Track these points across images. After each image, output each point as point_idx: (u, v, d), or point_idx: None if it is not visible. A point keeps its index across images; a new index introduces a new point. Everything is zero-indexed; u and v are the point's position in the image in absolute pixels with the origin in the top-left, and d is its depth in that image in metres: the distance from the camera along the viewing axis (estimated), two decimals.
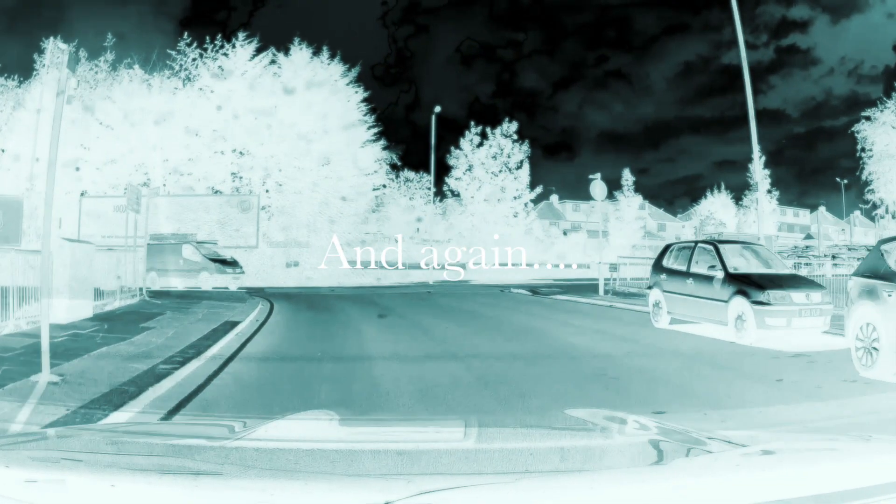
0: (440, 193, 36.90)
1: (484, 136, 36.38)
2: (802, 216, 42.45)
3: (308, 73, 31.52)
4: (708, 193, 39.53)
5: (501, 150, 36.09)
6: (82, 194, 27.15)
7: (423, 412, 6.20)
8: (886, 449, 1.81)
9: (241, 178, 30.61)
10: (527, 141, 36.48)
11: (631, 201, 37.45)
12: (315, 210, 30.85)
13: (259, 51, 31.48)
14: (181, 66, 30.77)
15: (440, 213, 36.92)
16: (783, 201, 38.66)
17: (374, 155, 33.29)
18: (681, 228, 41.64)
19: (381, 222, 35.37)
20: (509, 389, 7.28)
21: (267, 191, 30.71)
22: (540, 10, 41.54)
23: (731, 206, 38.75)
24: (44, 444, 1.91)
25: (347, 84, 32.62)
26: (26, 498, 1.27)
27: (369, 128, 33.23)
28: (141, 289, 17.08)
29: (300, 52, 31.99)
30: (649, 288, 12.45)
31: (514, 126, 36.42)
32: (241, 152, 30.41)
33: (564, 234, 40.40)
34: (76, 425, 4.69)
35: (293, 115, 30.21)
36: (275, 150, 30.42)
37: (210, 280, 24.05)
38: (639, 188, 37.61)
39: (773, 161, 36.95)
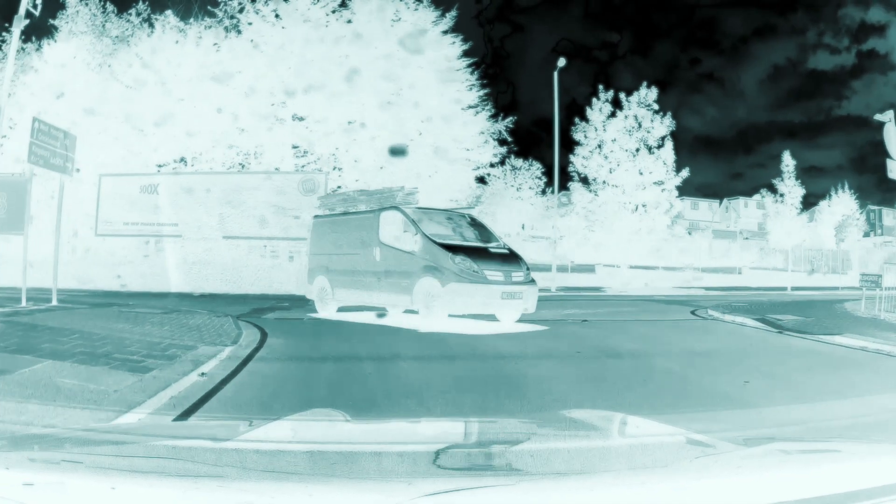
0: (563, 178, 28.38)
1: (616, 104, 27.48)
2: None
3: (389, 15, 24.29)
4: (832, 194, 35.10)
5: (639, 122, 27.34)
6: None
7: None
8: (887, 450, 1.81)
9: (305, 152, 23.93)
10: (669, 113, 27.69)
11: (794, 192, 29.66)
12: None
13: None
14: (226, 12, 24.30)
15: (561, 203, 28.60)
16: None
17: (479, 126, 24.79)
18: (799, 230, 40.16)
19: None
20: None
21: (338, 168, 23.79)
22: (631, 10, 39.83)
23: (854, 206, 34.01)
24: (44, 445, 1.90)
25: (443, 33, 24.12)
26: (26, 500, 1.26)
27: (470, 87, 24.55)
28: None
29: None
30: None
31: (653, 93, 27.36)
32: (303, 119, 23.75)
33: (689, 233, 34.19)
34: (76, 426, 4.68)
35: (370, 72, 23.31)
36: (348, 116, 23.58)
37: (446, 300, 10.42)
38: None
39: (856, 168, 35.25)
